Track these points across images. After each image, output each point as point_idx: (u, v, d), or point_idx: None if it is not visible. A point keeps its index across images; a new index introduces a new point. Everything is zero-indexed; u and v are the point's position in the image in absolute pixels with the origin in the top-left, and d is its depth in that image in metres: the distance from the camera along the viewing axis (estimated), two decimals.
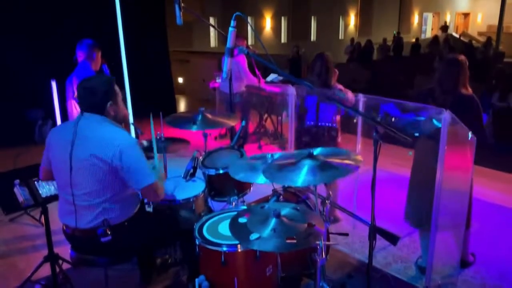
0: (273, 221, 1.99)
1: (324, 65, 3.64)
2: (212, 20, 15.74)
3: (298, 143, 3.84)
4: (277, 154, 2.65)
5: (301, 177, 2.05)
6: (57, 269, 2.82)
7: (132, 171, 2.25)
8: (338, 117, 3.69)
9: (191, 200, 2.83)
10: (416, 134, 3.00)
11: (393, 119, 3.05)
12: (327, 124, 3.64)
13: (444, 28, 23.74)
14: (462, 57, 3.02)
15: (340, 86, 3.63)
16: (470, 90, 2.97)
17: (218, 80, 6.55)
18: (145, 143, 3.14)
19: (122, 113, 2.43)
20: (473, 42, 19.58)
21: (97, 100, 2.29)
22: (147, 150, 3.25)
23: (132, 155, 2.25)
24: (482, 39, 20.88)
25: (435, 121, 2.74)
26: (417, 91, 3.20)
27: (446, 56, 3.08)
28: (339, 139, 3.73)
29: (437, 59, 12.61)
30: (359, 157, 2.19)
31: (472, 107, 2.90)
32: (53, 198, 2.73)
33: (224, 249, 2.18)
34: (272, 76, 6.79)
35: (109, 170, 2.22)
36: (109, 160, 2.20)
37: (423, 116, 2.90)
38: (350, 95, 3.54)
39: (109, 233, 2.28)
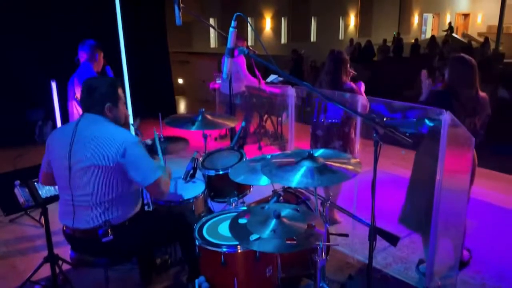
0: (273, 222, 1.99)
1: (332, 63, 3.63)
2: (211, 21, 15.75)
3: (312, 137, 3.85)
4: (277, 154, 2.65)
5: (297, 178, 2.04)
6: (57, 270, 2.82)
7: (137, 168, 2.25)
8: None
9: (191, 201, 2.83)
10: (407, 134, 2.98)
11: (385, 119, 3.04)
12: (333, 121, 3.63)
13: (450, 29, 23.63)
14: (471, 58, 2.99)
15: (353, 85, 3.60)
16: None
17: (218, 81, 6.55)
18: (149, 141, 3.13)
19: (122, 118, 2.44)
20: (473, 42, 19.58)
21: (95, 100, 2.30)
22: (149, 150, 3.25)
23: (136, 152, 2.25)
24: (482, 39, 20.89)
25: (427, 121, 2.73)
26: (434, 91, 3.10)
27: (449, 55, 3.09)
28: (353, 136, 3.71)
29: (437, 59, 12.63)
30: (359, 162, 2.18)
31: (487, 108, 2.92)
32: (53, 198, 2.73)
33: (224, 249, 2.18)
34: (272, 77, 6.80)
35: (113, 169, 2.22)
36: (113, 159, 2.19)
37: (410, 116, 2.89)
38: (363, 99, 3.46)
39: (110, 233, 2.28)
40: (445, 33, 23.40)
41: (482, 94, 2.95)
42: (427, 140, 2.99)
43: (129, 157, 2.22)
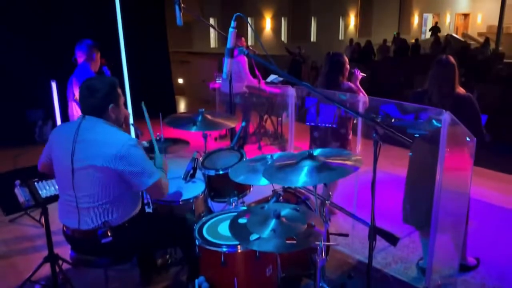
0: (273, 222, 1.99)
1: (328, 64, 3.73)
2: (212, 21, 15.76)
3: (311, 138, 3.90)
4: (277, 154, 2.65)
5: (301, 178, 2.05)
6: (57, 270, 2.82)
7: (135, 173, 2.23)
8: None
9: (191, 201, 2.83)
10: (417, 135, 3.00)
11: (393, 120, 3.05)
12: (327, 125, 3.65)
13: (434, 29, 23.06)
14: (451, 58, 3.01)
15: (350, 85, 3.66)
16: (462, 90, 2.97)
17: (218, 81, 6.56)
18: (145, 143, 3.14)
19: (123, 116, 2.43)
20: (473, 42, 19.57)
21: (98, 102, 2.27)
22: (148, 151, 3.26)
23: (134, 156, 2.23)
24: (482, 39, 20.88)
25: (434, 122, 2.74)
26: (412, 92, 3.23)
27: (439, 57, 3.09)
28: (350, 137, 3.78)
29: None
30: (360, 158, 2.19)
31: (471, 107, 2.90)
32: (53, 198, 2.73)
33: (224, 249, 2.18)
34: (272, 77, 6.79)
35: (112, 171, 2.21)
36: (113, 161, 2.18)
37: (423, 117, 2.90)
38: (362, 96, 3.59)
39: (110, 234, 2.28)
40: (433, 35, 22.93)
41: (461, 92, 2.94)
42: (418, 139, 3.01)
43: (128, 163, 2.20)
